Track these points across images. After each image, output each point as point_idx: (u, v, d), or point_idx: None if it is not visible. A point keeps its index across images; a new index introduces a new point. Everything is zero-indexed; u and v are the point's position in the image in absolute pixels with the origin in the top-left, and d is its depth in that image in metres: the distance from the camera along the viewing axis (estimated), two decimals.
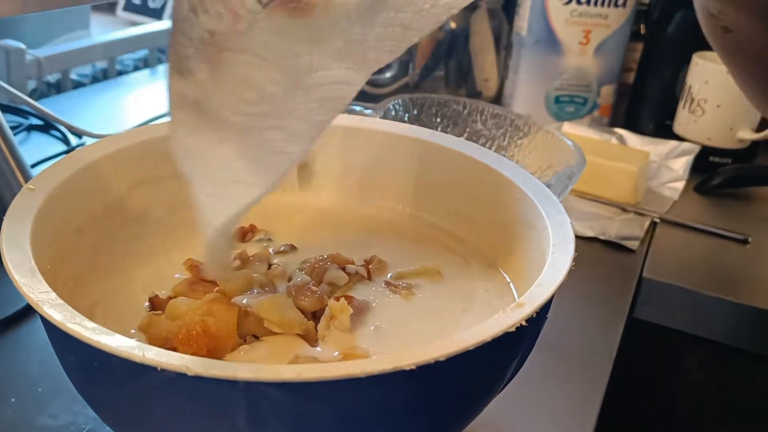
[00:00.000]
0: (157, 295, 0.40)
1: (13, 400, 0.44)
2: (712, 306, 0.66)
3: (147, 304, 0.40)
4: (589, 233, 0.72)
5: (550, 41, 0.96)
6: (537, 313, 0.31)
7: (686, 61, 0.93)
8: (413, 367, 0.27)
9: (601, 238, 0.72)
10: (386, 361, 0.27)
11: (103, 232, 0.44)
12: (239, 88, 0.34)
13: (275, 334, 0.37)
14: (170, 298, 0.40)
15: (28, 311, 0.52)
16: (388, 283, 0.42)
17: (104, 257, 0.43)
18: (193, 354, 0.33)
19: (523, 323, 0.30)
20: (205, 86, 0.35)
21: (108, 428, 0.42)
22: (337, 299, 0.39)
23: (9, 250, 0.32)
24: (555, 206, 0.41)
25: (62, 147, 0.81)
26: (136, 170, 0.46)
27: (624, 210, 0.78)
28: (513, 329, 0.30)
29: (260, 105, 0.34)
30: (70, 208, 0.41)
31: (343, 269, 0.43)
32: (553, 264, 0.35)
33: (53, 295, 0.30)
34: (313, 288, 0.40)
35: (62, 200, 0.39)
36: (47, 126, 0.84)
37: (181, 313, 0.37)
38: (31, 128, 0.84)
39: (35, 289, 0.30)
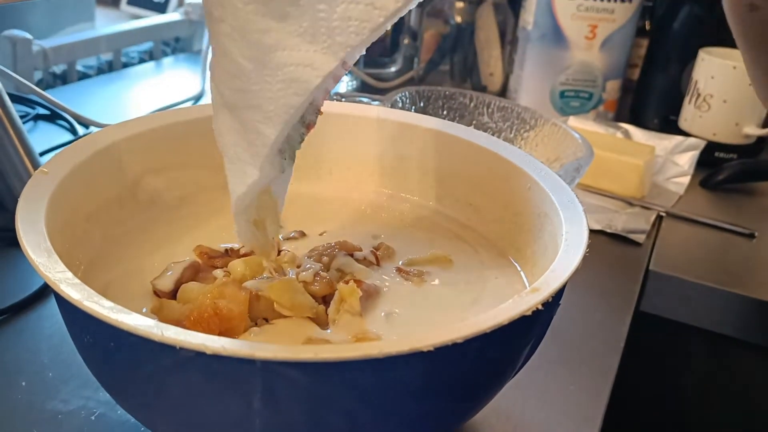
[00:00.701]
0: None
1: (23, 384, 0.44)
2: (718, 299, 0.66)
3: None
4: (596, 226, 0.73)
5: (555, 36, 0.96)
6: (552, 297, 0.31)
7: (692, 57, 0.93)
8: (431, 348, 0.27)
9: (608, 231, 0.72)
10: (404, 342, 0.27)
11: (114, 218, 0.44)
12: (223, 60, 0.34)
13: (286, 317, 0.37)
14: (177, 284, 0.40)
15: (38, 297, 0.52)
16: (399, 270, 0.43)
17: (114, 243, 0.43)
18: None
19: (539, 307, 0.30)
20: (213, 60, 0.35)
21: (119, 412, 0.42)
22: (347, 283, 0.39)
23: (25, 231, 0.32)
24: (567, 194, 0.41)
25: (69, 136, 0.81)
26: (147, 157, 0.46)
27: (630, 204, 0.78)
28: (529, 313, 0.30)
29: (237, 80, 0.33)
30: (82, 193, 0.41)
31: (351, 256, 0.43)
32: (566, 250, 0.35)
33: (69, 274, 0.30)
34: (323, 273, 0.40)
35: (75, 184, 0.40)
36: (54, 116, 0.84)
37: (192, 297, 0.37)
38: (38, 118, 0.84)
39: (52, 269, 0.30)
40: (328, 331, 0.37)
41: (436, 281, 0.42)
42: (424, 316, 0.39)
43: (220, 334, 0.35)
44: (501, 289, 0.42)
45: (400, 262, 0.44)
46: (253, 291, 0.36)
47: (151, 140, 0.46)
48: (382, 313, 0.39)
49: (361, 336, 0.36)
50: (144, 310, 0.38)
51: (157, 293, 0.39)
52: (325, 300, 0.39)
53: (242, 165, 0.35)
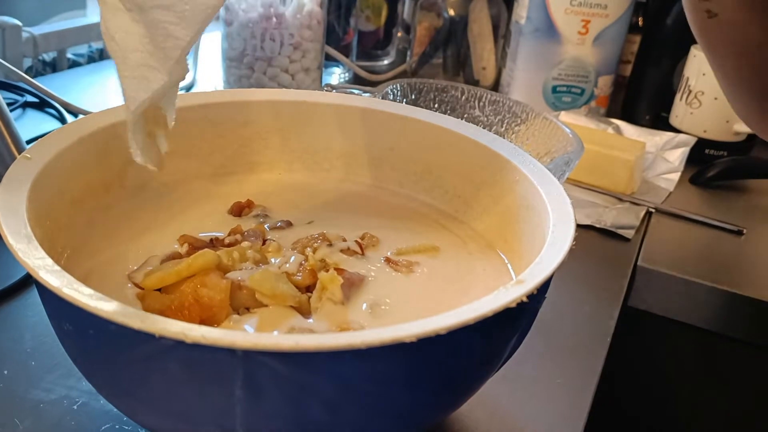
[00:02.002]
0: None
1: (5, 372, 0.44)
2: (705, 295, 0.66)
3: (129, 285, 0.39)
4: (585, 221, 0.72)
5: (548, 30, 0.96)
6: (537, 290, 0.31)
7: (684, 54, 0.93)
8: (414, 339, 0.27)
9: (597, 226, 0.72)
10: (387, 332, 0.27)
11: (100, 204, 0.44)
12: None
13: (268, 306, 0.37)
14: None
15: (21, 285, 0.52)
16: (388, 260, 0.42)
17: (99, 229, 0.43)
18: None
19: (524, 299, 0.30)
20: None
21: (102, 402, 0.42)
22: (328, 270, 0.38)
23: (5, 216, 0.32)
24: (554, 186, 0.41)
25: (57, 125, 0.80)
26: None
27: (620, 199, 0.78)
28: (513, 305, 0.30)
29: None
30: (67, 178, 0.40)
31: (334, 246, 0.43)
32: (553, 242, 0.35)
33: (50, 261, 0.30)
34: (305, 264, 0.40)
35: (59, 170, 0.39)
36: (42, 103, 0.84)
37: (175, 287, 0.37)
38: (26, 105, 0.84)
39: (31, 255, 0.30)
40: (310, 320, 0.36)
41: (424, 271, 0.42)
42: (408, 306, 0.39)
43: (200, 322, 0.35)
44: (488, 281, 0.42)
45: (389, 253, 0.43)
46: (234, 281, 0.36)
47: None
48: (365, 304, 0.38)
49: (345, 326, 0.36)
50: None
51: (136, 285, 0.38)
52: (309, 290, 0.39)
53: (146, 71, 0.35)
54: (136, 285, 0.38)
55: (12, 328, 0.48)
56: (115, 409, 0.40)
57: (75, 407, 0.42)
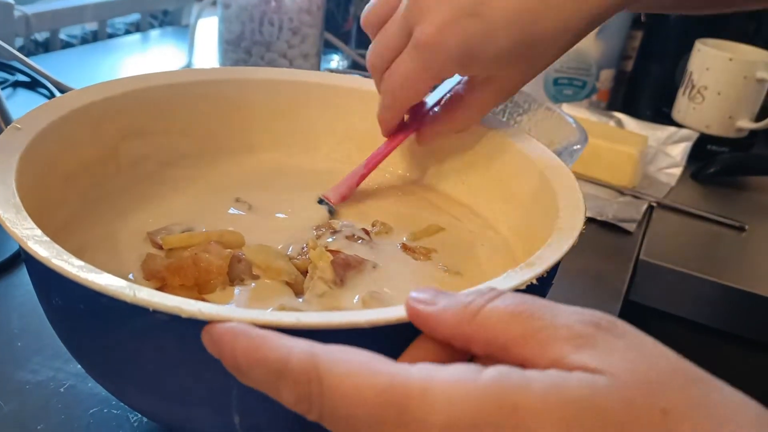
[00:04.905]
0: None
1: None
2: (706, 290, 0.65)
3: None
4: (587, 214, 0.71)
5: None
6: (547, 273, 0.30)
7: (687, 48, 0.92)
8: None
9: (599, 218, 0.71)
10: (391, 311, 0.26)
11: (94, 180, 0.42)
12: None
13: (264, 280, 0.36)
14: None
15: (8, 265, 0.50)
16: (405, 247, 0.41)
17: (92, 205, 0.41)
18: (180, 285, 0.33)
19: (534, 282, 0.29)
20: None
21: (90, 384, 0.40)
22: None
23: None
24: (563, 173, 0.40)
25: None
26: (128, 119, 0.45)
27: (621, 193, 0.77)
28: (523, 287, 0.29)
29: None
30: (59, 151, 0.39)
31: (339, 231, 0.41)
32: (561, 227, 0.34)
33: (38, 231, 0.28)
34: (306, 249, 0.39)
35: (50, 142, 0.38)
36: (34, 83, 0.82)
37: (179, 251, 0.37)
38: (17, 85, 0.82)
39: (20, 225, 0.28)
40: (300, 300, 0.35)
41: (437, 259, 0.41)
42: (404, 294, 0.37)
43: (195, 284, 0.34)
44: (493, 266, 0.41)
45: (404, 238, 0.42)
46: (235, 253, 0.36)
47: (132, 102, 0.44)
48: (358, 296, 0.37)
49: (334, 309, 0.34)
50: (131, 276, 0.36)
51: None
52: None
53: None
54: (156, 244, 0.37)
55: None
56: (104, 392, 0.39)
57: (62, 390, 0.40)
